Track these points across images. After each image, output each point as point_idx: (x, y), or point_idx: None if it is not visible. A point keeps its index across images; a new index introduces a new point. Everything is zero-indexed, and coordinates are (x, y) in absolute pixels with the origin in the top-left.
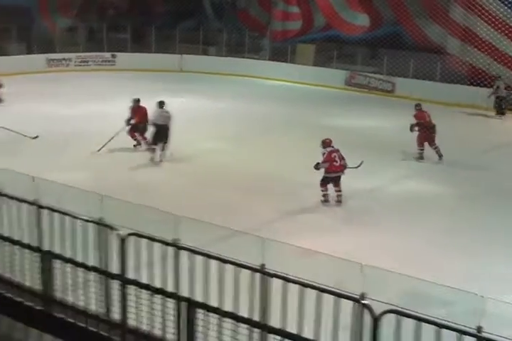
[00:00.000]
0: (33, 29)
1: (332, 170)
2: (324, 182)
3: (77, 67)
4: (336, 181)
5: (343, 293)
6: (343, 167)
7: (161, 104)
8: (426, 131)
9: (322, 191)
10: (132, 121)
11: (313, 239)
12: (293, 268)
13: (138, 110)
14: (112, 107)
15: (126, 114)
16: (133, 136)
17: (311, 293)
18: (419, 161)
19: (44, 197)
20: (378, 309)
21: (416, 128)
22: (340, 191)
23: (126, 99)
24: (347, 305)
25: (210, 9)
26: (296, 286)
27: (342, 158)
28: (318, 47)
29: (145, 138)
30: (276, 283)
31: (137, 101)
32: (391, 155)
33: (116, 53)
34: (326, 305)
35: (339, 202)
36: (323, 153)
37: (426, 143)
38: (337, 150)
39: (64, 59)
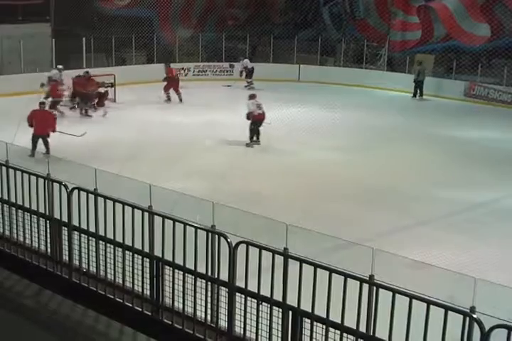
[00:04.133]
0: (153, 39)
1: (257, 119)
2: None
3: (195, 77)
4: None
5: (452, 306)
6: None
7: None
8: None
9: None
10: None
11: (425, 251)
12: (403, 280)
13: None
14: (227, 116)
15: (242, 123)
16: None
17: (420, 306)
18: None
19: (158, 205)
20: (488, 324)
21: None
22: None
23: (242, 108)
24: (456, 319)
25: (329, 19)
26: (406, 298)
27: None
28: (437, 57)
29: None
30: (384, 295)
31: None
32: (509, 168)
33: (234, 63)
34: (434, 318)
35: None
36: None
37: None
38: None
39: (183, 68)
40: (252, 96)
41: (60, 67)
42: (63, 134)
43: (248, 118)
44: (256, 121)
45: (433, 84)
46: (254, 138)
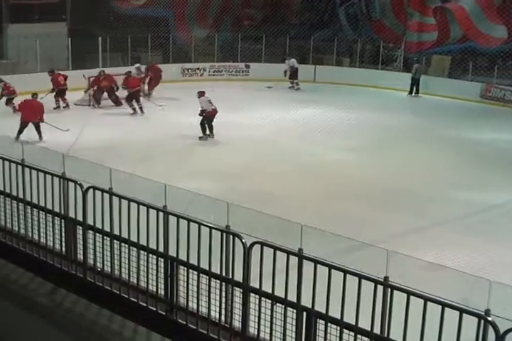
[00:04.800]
0: (169, 39)
1: (210, 115)
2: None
3: (210, 77)
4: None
5: (467, 308)
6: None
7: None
8: None
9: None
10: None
11: (439, 252)
12: (417, 281)
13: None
14: (243, 117)
15: (260, 123)
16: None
17: (435, 308)
18: None
19: (172, 204)
20: (503, 326)
21: None
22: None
23: (258, 108)
24: (471, 322)
25: (345, 20)
26: (420, 300)
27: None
28: (453, 58)
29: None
30: (398, 296)
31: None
32: None
33: (249, 63)
34: (449, 320)
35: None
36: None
37: None
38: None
39: (198, 68)
40: (201, 93)
41: (137, 65)
42: (49, 126)
43: (202, 114)
44: (209, 116)
45: (449, 86)
46: (208, 132)
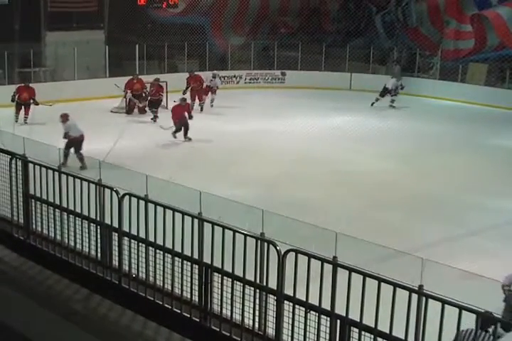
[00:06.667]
0: (206, 46)
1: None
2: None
3: (246, 85)
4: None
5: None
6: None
7: None
8: None
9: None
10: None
11: (475, 261)
12: (451, 290)
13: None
14: (279, 125)
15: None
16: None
17: (470, 317)
18: None
19: (208, 211)
20: None
21: None
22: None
23: (294, 116)
24: None
25: (381, 28)
26: (455, 309)
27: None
28: (490, 66)
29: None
30: (433, 305)
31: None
32: None
33: (285, 71)
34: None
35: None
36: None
37: None
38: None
39: (234, 76)
40: (64, 117)
41: (215, 72)
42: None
43: (65, 137)
44: (74, 142)
45: (486, 94)
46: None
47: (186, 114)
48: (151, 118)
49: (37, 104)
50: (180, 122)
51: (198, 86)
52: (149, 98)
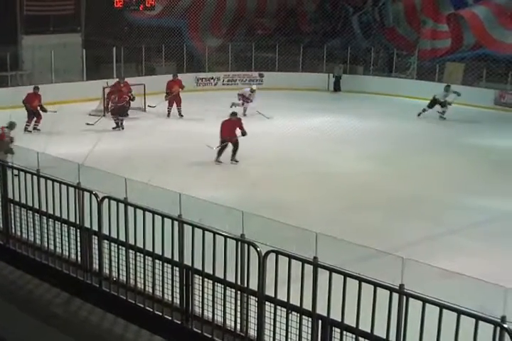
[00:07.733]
0: (183, 49)
1: None
2: None
3: (224, 86)
4: None
5: (483, 316)
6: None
7: None
8: None
9: None
10: None
11: (455, 260)
12: (432, 289)
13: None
14: (258, 126)
15: (275, 132)
16: None
17: (450, 315)
18: None
19: (187, 213)
20: None
21: None
22: None
23: (272, 117)
24: (487, 329)
25: (358, 28)
26: (435, 307)
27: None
28: (467, 65)
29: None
30: (414, 304)
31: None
32: None
33: (263, 72)
34: (465, 327)
35: None
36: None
37: None
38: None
39: (212, 78)
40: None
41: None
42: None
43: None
44: None
45: (463, 93)
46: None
47: (239, 130)
48: (113, 128)
49: (45, 110)
50: (231, 140)
51: (176, 90)
52: (111, 106)
